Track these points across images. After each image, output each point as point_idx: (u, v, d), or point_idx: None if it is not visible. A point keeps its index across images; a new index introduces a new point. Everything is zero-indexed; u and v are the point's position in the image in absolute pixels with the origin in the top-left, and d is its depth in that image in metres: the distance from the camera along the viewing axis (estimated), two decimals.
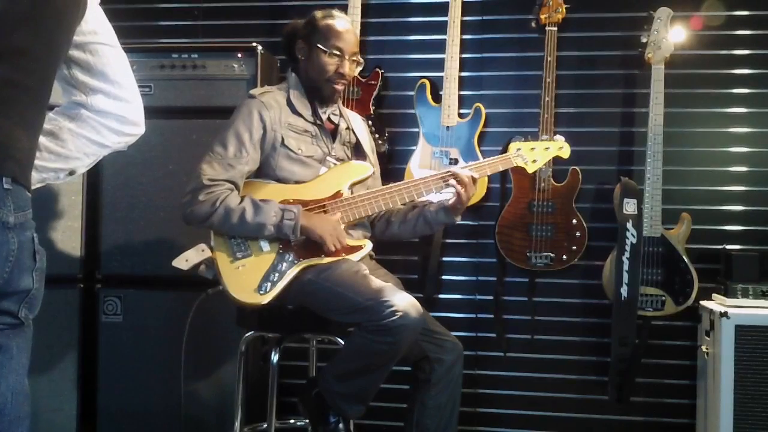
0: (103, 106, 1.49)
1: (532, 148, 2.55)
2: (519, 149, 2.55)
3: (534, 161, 2.56)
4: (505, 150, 2.57)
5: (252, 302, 2.31)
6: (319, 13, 2.51)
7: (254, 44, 2.97)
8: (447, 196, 2.48)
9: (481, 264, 3.30)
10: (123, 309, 2.96)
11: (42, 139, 1.43)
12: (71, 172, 1.52)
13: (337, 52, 2.45)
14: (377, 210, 2.44)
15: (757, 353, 2.73)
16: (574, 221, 3.06)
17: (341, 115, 2.60)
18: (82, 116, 1.49)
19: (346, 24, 2.53)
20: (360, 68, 2.60)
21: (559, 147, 2.59)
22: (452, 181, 2.43)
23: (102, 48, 1.48)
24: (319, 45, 2.46)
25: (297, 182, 2.43)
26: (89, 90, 1.48)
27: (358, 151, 2.61)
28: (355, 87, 3.17)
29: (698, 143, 3.17)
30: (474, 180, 2.44)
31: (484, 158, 2.86)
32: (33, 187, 1.40)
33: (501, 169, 2.58)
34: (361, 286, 2.23)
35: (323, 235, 2.33)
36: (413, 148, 3.20)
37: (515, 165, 2.54)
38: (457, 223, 3.20)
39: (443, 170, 2.53)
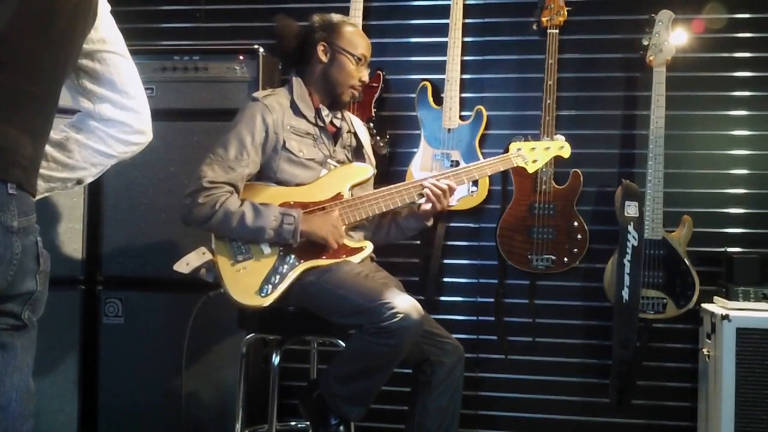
0: (110, 114, 1.50)
1: (533, 148, 2.55)
2: (519, 149, 2.55)
3: (534, 161, 2.55)
4: (506, 151, 2.57)
5: (253, 305, 2.31)
6: (337, 17, 2.53)
7: (256, 46, 2.97)
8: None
9: (482, 266, 3.30)
10: (124, 311, 2.96)
11: (49, 149, 1.45)
12: (79, 182, 1.54)
13: (363, 60, 2.50)
14: (378, 211, 2.44)
15: (758, 356, 2.73)
16: (576, 224, 3.06)
17: (343, 118, 2.60)
18: (90, 127, 1.51)
19: (361, 32, 2.60)
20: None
21: (560, 146, 2.59)
22: (427, 192, 2.43)
23: (111, 57, 1.49)
24: (347, 50, 2.48)
25: (298, 184, 2.43)
26: (96, 98, 1.49)
27: (358, 155, 2.62)
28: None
29: (699, 146, 3.16)
30: (444, 191, 2.43)
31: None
32: (41, 196, 1.43)
33: (501, 169, 2.58)
34: (362, 288, 2.23)
35: (324, 235, 2.33)
36: (414, 150, 3.20)
37: (516, 165, 2.54)
38: (458, 225, 3.25)
39: (446, 171, 2.54)
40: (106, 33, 1.48)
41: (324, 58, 2.49)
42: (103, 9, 1.47)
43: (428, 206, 2.46)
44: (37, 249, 1.34)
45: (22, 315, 1.33)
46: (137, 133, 1.54)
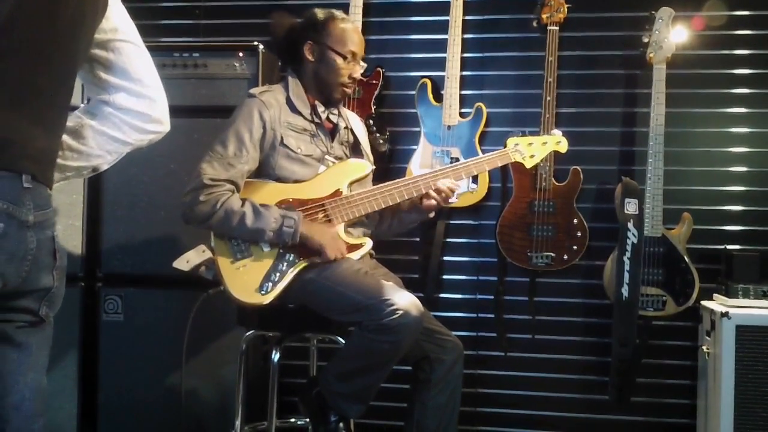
0: (126, 103, 1.48)
1: (530, 143, 2.55)
2: (517, 144, 2.54)
3: (532, 156, 2.55)
4: (504, 147, 2.56)
5: (253, 302, 2.31)
6: (325, 13, 2.49)
7: (255, 43, 2.96)
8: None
9: (482, 263, 3.30)
10: (124, 308, 2.96)
11: (64, 137, 1.42)
12: (94, 170, 1.52)
13: (351, 57, 2.46)
14: (376, 208, 2.43)
15: (757, 353, 2.73)
16: (575, 221, 3.06)
17: (340, 114, 2.60)
18: (104, 113, 1.48)
19: (355, 26, 2.56)
20: (362, 70, 2.61)
21: (557, 141, 2.58)
22: (432, 192, 2.43)
23: (124, 45, 1.47)
24: (334, 48, 2.44)
25: (296, 181, 2.42)
26: (111, 88, 1.48)
27: (356, 151, 2.61)
28: (356, 86, 3.17)
29: (699, 143, 3.17)
30: (452, 190, 2.45)
31: None
32: (55, 184, 1.40)
33: (499, 165, 2.56)
34: (362, 285, 2.23)
35: (323, 243, 2.32)
36: (414, 147, 3.20)
37: (513, 160, 2.54)
38: (458, 222, 3.25)
39: (445, 167, 2.54)
40: (118, 22, 1.47)
41: (311, 57, 2.47)
42: None
43: (431, 201, 2.46)
44: (53, 244, 1.33)
45: (39, 311, 1.33)
46: (153, 122, 1.52)
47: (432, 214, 2.58)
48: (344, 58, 2.45)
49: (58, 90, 1.35)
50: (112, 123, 1.48)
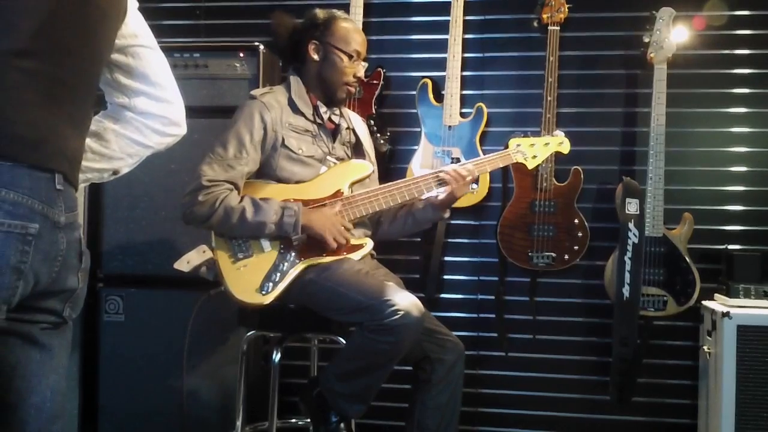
0: (146, 107, 1.51)
1: (532, 144, 2.55)
2: (519, 145, 2.55)
3: (534, 157, 2.55)
4: (506, 148, 2.57)
5: (254, 302, 2.31)
6: (327, 13, 2.50)
7: (256, 44, 2.97)
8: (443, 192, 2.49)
9: (483, 264, 3.30)
10: (125, 308, 2.97)
11: (87, 140, 1.45)
12: (115, 172, 1.55)
13: (356, 56, 2.47)
14: (377, 208, 2.44)
15: (758, 353, 2.72)
16: (576, 221, 3.06)
17: (341, 114, 2.60)
18: (126, 117, 1.51)
19: (358, 26, 2.55)
20: (364, 69, 2.61)
21: (559, 142, 2.59)
22: (446, 177, 2.43)
23: (143, 51, 1.50)
24: (339, 47, 2.45)
25: (297, 182, 2.42)
26: (131, 92, 1.50)
27: (358, 151, 2.61)
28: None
29: (700, 143, 3.16)
30: (464, 177, 2.43)
31: None
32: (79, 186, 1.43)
33: (501, 166, 2.57)
34: (363, 285, 2.23)
35: (324, 231, 2.33)
36: (415, 147, 3.20)
37: (515, 161, 2.54)
38: (459, 222, 3.25)
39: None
40: (136, 27, 1.49)
41: (316, 57, 2.48)
42: (132, 5, 1.48)
43: (444, 195, 2.45)
44: (80, 246, 1.35)
45: (63, 312, 1.34)
46: (173, 124, 1.54)
47: (447, 214, 2.56)
48: (350, 57, 2.46)
49: (84, 91, 1.37)
50: (134, 127, 1.51)
